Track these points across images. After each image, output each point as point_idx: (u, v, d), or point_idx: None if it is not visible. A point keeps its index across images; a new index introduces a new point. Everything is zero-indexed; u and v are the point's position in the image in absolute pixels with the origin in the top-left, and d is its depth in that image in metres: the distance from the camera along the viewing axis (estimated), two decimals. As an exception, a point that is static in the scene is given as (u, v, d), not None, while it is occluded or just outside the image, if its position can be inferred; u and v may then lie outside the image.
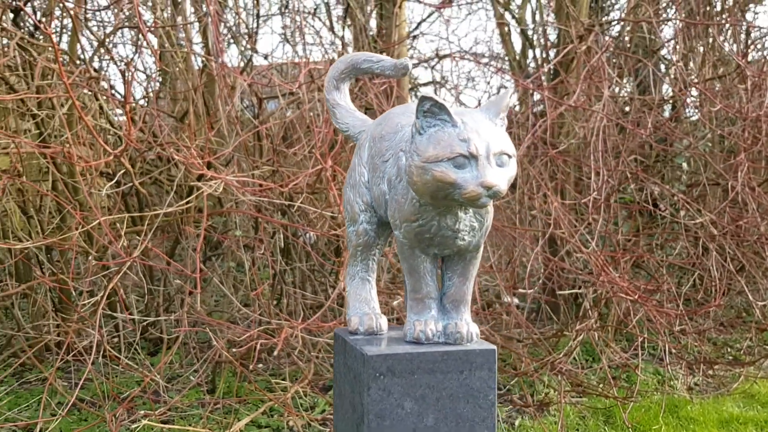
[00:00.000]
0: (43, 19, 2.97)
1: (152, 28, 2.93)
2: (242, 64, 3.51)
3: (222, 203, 3.31)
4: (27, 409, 3.05)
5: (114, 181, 2.62)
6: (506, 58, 5.11)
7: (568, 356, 3.49)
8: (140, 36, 3.18)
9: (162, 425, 2.94)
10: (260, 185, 2.60)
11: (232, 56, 3.78)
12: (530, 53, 4.80)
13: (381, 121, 1.17)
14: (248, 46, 3.59)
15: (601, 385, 3.59)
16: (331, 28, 3.81)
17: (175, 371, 3.41)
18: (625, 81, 4.50)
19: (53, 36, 2.25)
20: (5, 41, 2.68)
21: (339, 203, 2.57)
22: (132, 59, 2.77)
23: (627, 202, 4.41)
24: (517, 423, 3.32)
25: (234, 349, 2.89)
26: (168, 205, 2.64)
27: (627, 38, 5.01)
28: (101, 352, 2.99)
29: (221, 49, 2.84)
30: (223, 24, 3.48)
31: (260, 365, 3.87)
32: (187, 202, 2.58)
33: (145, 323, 3.34)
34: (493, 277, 3.75)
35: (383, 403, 0.81)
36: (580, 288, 3.72)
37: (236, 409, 3.19)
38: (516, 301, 4.42)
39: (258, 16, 3.57)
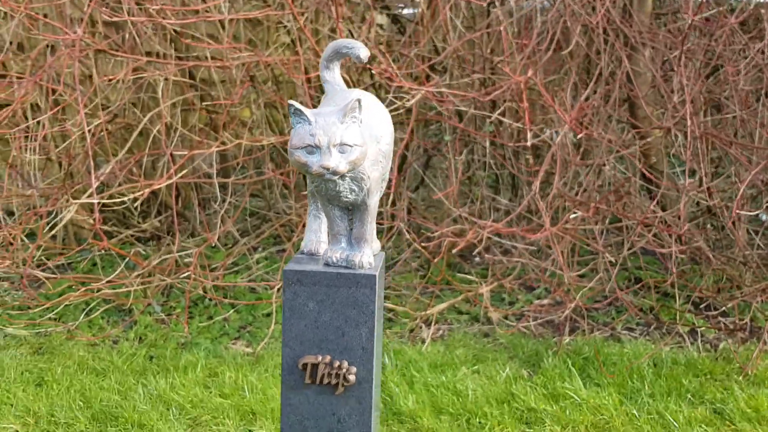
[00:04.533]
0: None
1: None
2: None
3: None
4: (276, 272, 3.76)
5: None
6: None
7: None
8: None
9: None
10: (461, 95, 2.78)
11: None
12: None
13: (326, 100, 1.36)
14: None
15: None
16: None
17: (392, 256, 3.88)
18: None
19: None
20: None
21: (526, 114, 2.65)
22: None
23: None
24: (721, 346, 3.23)
25: (427, 244, 3.23)
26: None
27: None
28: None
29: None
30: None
31: (477, 258, 4.19)
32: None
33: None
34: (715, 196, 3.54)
35: (294, 302, 1.09)
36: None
37: (438, 295, 3.57)
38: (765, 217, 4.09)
39: None
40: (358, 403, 1.04)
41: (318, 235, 1.41)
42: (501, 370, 2.89)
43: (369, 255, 1.22)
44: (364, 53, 1.44)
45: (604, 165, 3.70)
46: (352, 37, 3.15)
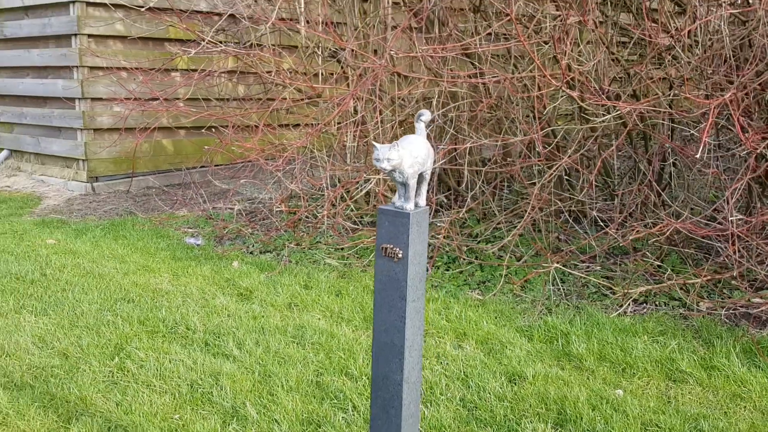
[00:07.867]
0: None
1: None
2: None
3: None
4: (520, 244, 4.69)
5: (557, 103, 3.82)
6: None
7: None
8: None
9: (584, 275, 4.19)
10: (664, 111, 3.38)
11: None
12: None
13: (409, 136, 2.23)
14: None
15: None
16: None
17: (614, 245, 4.53)
18: None
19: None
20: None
21: (705, 132, 3.13)
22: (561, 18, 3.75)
23: None
24: None
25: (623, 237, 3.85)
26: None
27: None
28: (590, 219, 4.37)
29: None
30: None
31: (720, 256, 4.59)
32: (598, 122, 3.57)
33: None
34: None
35: (381, 222, 2.13)
36: None
37: (655, 280, 4.14)
38: None
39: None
40: (402, 266, 2.14)
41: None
42: (676, 343, 3.46)
43: (411, 205, 2.31)
44: (426, 118, 2.42)
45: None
46: (580, 63, 3.90)
